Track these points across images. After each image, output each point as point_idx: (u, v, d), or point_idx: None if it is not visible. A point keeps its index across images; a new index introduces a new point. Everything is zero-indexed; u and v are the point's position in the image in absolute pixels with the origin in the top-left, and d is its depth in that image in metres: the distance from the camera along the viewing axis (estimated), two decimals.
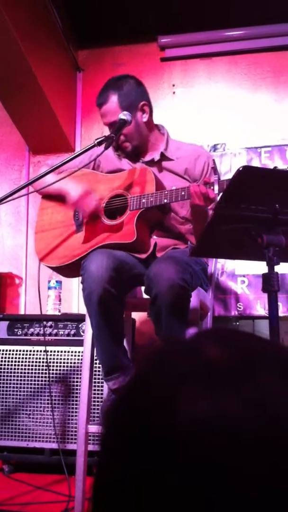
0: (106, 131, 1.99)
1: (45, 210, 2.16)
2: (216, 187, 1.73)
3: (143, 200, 1.91)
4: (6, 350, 2.62)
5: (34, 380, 2.56)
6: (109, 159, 2.13)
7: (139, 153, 2.10)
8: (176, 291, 1.68)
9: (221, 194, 1.61)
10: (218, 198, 1.79)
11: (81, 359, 2.37)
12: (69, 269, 2.03)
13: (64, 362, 2.55)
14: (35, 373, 2.56)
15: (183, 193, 1.83)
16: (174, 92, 3.55)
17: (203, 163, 2.08)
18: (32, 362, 2.58)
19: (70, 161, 1.90)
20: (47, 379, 2.52)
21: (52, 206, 2.14)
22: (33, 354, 2.59)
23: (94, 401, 2.34)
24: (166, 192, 1.88)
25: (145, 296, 1.87)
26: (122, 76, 2.11)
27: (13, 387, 2.57)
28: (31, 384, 2.56)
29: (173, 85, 3.56)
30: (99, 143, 1.88)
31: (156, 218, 2.00)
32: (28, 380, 2.56)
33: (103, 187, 2.06)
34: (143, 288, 1.85)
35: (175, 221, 2.04)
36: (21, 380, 2.57)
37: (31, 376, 2.56)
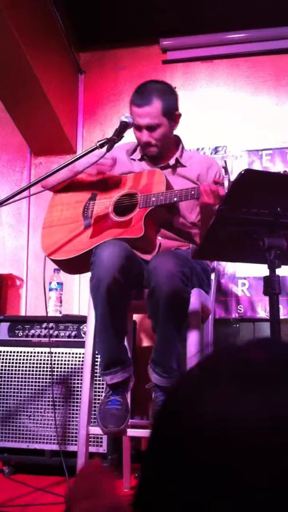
0: (108, 133, 1.99)
1: (55, 207, 2.15)
2: (226, 184, 1.75)
3: (153, 199, 1.92)
4: (7, 352, 2.62)
5: (35, 382, 2.56)
6: (121, 161, 2.14)
7: (159, 159, 2.13)
8: (174, 284, 1.68)
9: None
10: None
11: (82, 361, 2.37)
12: (75, 264, 2.03)
13: (65, 364, 2.55)
14: (35, 374, 2.57)
15: (192, 192, 1.85)
16: None
17: (215, 172, 2.11)
18: (33, 363, 2.58)
19: (76, 161, 1.91)
20: (47, 380, 2.52)
21: (62, 203, 2.14)
22: (34, 356, 2.59)
23: (95, 403, 2.34)
24: (175, 191, 1.90)
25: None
26: (164, 82, 2.18)
27: (14, 389, 2.57)
28: (31, 385, 2.56)
29: (175, 88, 3.56)
30: (101, 146, 1.88)
31: (164, 218, 2.00)
32: (28, 382, 2.57)
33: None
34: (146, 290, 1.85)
35: (183, 226, 2.05)
36: (21, 381, 2.57)
37: (32, 378, 2.57)
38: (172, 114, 2.07)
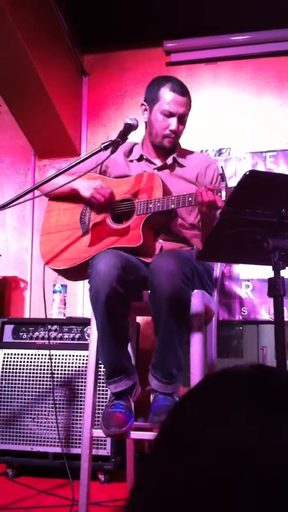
0: (111, 135, 1.99)
1: (52, 213, 2.17)
2: (223, 194, 1.74)
3: (150, 205, 1.92)
4: (11, 354, 2.62)
5: (39, 384, 2.56)
6: (117, 164, 2.14)
7: (158, 157, 2.15)
8: (175, 283, 1.68)
9: (227, 198, 1.61)
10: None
11: (86, 363, 2.37)
12: (75, 272, 2.03)
13: (68, 366, 2.55)
14: (39, 377, 2.56)
15: (190, 199, 1.84)
16: None
17: (213, 171, 2.12)
18: (37, 366, 2.58)
19: (77, 165, 1.91)
20: (51, 383, 2.51)
21: (58, 208, 2.15)
22: (38, 358, 2.59)
23: (99, 405, 2.34)
24: (173, 198, 1.90)
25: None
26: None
27: (18, 391, 2.57)
28: (35, 388, 2.56)
29: None
30: (105, 148, 1.89)
31: (161, 223, 2.01)
32: (32, 384, 2.56)
33: None
34: (149, 291, 1.84)
35: (182, 227, 2.05)
36: (25, 383, 2.57)
37: (36, 380, 2.56)
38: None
